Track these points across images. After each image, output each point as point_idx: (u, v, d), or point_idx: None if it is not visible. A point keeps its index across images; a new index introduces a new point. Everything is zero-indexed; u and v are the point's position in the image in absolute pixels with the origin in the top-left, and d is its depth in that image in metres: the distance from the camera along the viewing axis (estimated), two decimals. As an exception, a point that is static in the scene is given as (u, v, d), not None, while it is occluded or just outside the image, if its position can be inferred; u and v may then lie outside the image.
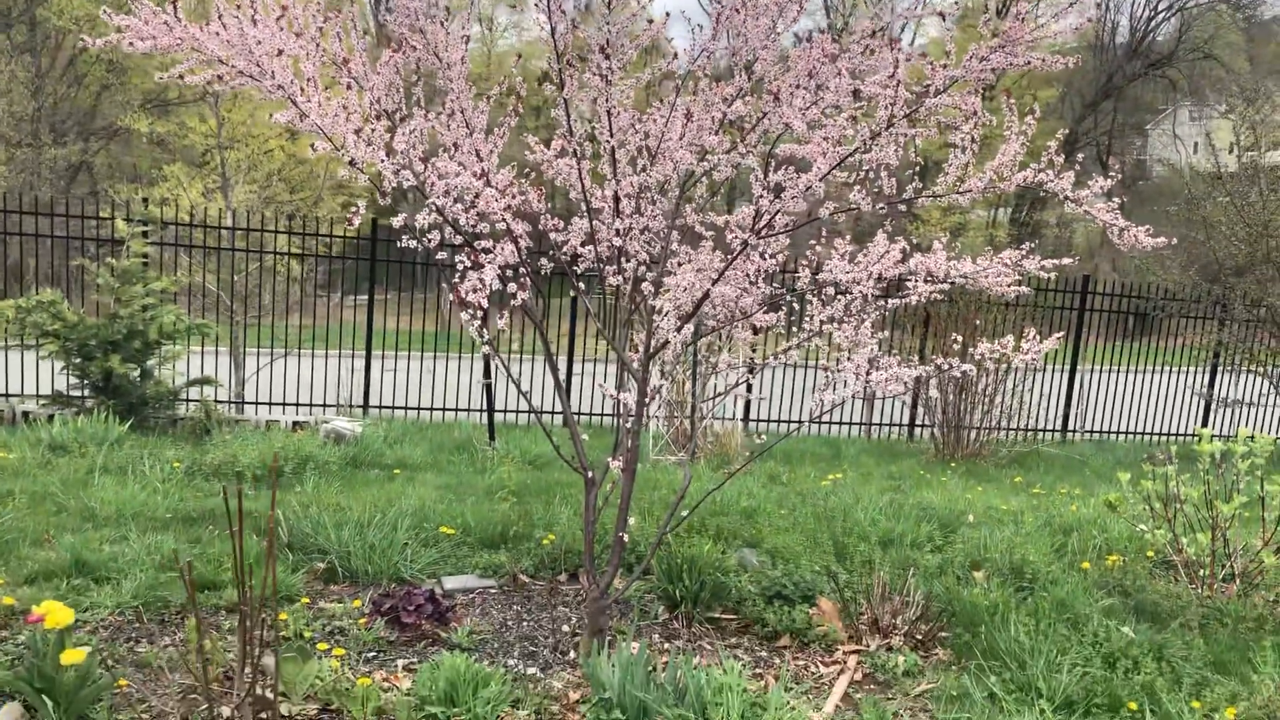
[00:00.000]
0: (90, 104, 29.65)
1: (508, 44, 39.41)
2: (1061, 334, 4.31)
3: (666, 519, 4.41)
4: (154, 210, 11.07)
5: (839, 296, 4.22)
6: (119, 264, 8.53)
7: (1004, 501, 7.47)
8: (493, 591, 5.03)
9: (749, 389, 9.69)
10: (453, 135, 4.01)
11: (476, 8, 4.39)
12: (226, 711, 3.46)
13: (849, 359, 4.15)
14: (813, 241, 4.39)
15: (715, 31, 3.98)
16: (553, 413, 11.10)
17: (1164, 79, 42.65)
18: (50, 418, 7.94)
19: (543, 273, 4.42)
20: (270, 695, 3.39)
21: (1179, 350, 13.08)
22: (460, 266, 3.90)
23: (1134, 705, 3.88)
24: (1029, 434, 11.43)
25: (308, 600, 4.61)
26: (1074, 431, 12.39)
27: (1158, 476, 5.53)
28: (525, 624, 4.66)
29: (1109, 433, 12.74)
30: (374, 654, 4.17)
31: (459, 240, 4.04)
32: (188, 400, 9.24)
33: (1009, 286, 4.14)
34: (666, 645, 4.51)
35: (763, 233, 4.01)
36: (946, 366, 4.12)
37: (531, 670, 4.13)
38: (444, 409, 10.96)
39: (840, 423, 11.82)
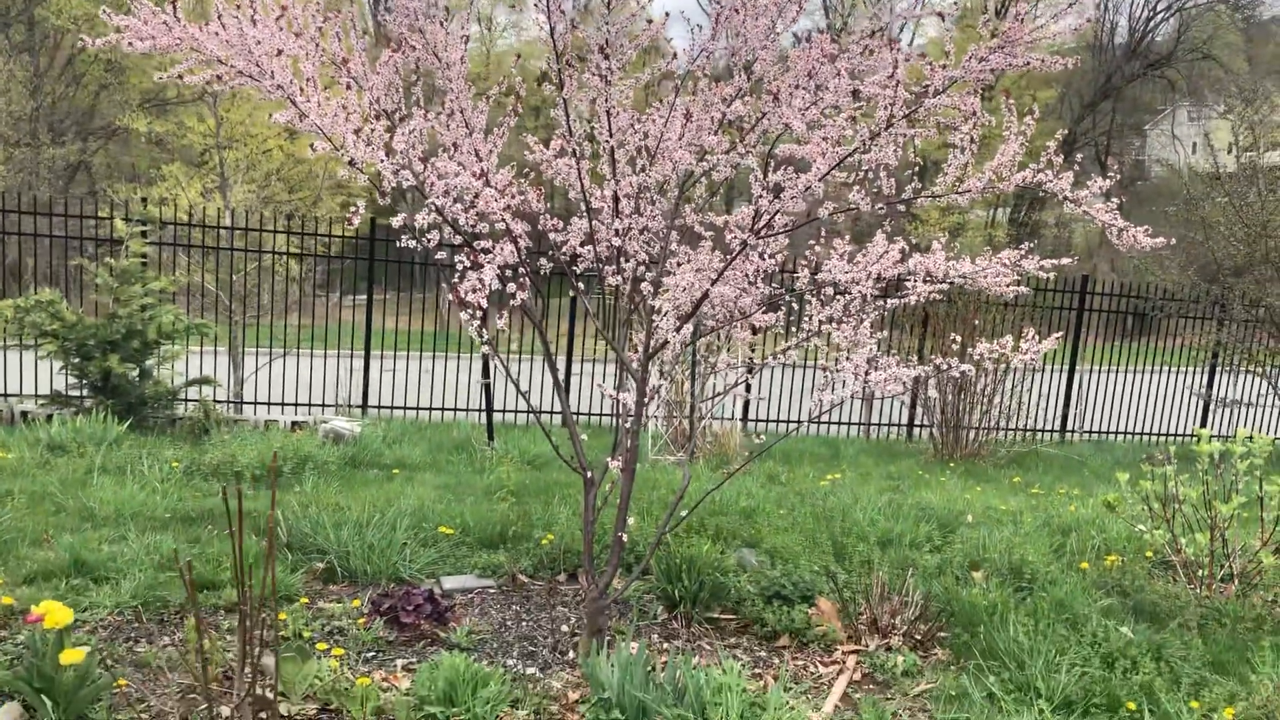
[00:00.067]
0: (89, 103, 29.65)
1: (506, 44, 39.44)
2: (1060, 334, 4.32)
3: (665, 519, 4.41)
4: (152, 210, 11.07)
5: (838, 296, 4.22)
6: (118, 264, 8.53)
7: (1003, 501, 7.47)
8: (492, 591, 5.03)
9: (748, 389, 9.69)
10: (452, 135, 4.01)
11: (475, 8, 4.39)
12: (226, 711, 3.46)
13: (848, 359, 4.16)
14: (812, 242, 4.39)
15: (714, 32, 3.98)
16: (551, 413, 11.10)
17: (1163, 79, 42.68)
18: (49, 417, 7.94)
19: (542, 273, 4.42)
20: (270, 695, 3.39)
21: (1177, 350, 13.09)
22: (460, 266, 3.90)
23: (1132, 705, 3.89)
24: (1028, 434, 11.44)
25: (307, 600, 4.61)
26: (1073, 431, 12.40)
27: (1156, 477, 5.53)
28: (524, 624, 4.66)
29: (1107, 433, 12.75)
30: (373, 654, 4.17)
31: (458, 240, 4.04)
32: (186, 400, 9.24)
33: (1008, 286, 4.14)
34: (665, 645, 4.52)
35: (762, 233, 4.01)
36: (945, 366, 4.12)
37: (530, 670, 4.14)
38: (443, 409, 10.96)
39: (839, 423, 11.82)
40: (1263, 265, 11.80)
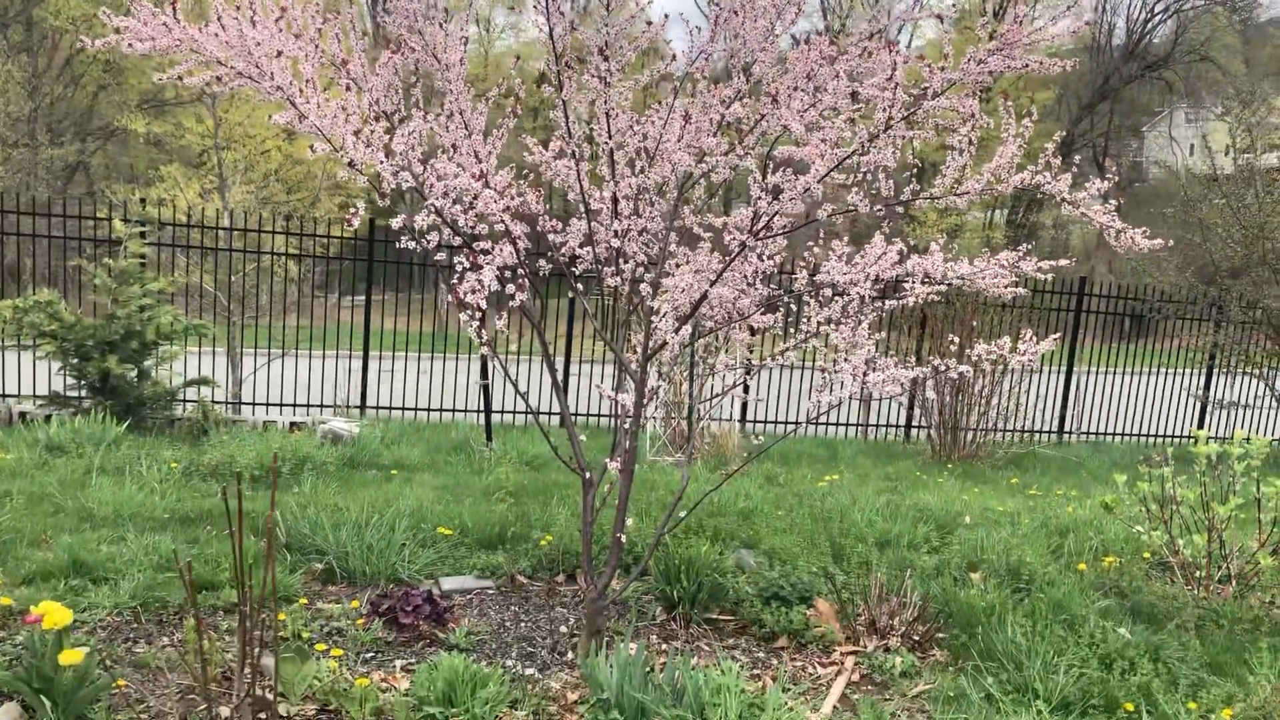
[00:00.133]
0: (87, 104, 29.64)
1: (505, 45, 39.46)
2: (1058, 335, 4.33)
3: (664, 520, 4.42)
4: (151, 210, 11.06)
5: (836, 298, 4.23)
6: (116, 264, 8.52)
7: (1000, 503, 7.48)
8: (490, 592, 5.04)
9: (746, 390, 9.71)
10: (451, 136, 4.02)
11: (474, 9, 4.40)
12: (225, 712, 3.46)
13: (846, 360, 4.16)
14: (810, 243, 4.39)
15: (713, 34, 3.99)
16: (550, 413, 11.11)
17: (1160, 81, 42.74)
18: (47, 418, 7.94)
19: (541, 274, 4.43)
20: (269, 695, 3.40)
21: (1175, 352, 13.10)
22: (459, 268, 3.91)
23: (1130, 706, 3.89)
24: (1025, 435, 11.45)
25: (305, 601, 4.61)
26: (1070, 433, 12.41)
27: (1154, 478, 5.54)
28: (523, 625, 4.66)
29: (1105, 434, 12.77)
30: (372, 654, 4.17)
31: (458, 241, 4.04)
32: (185, 401, 9.24)
33: (1006, 288, 4.15)
34: (664, 646, 4.52)
35: (760, 234, 4.02)
36: (943, 368, 4.13)
37: (529, 671, 4.14)
38: (441, 409, 10.96)
39: (837, 424, 11.83)
40: (1260, 267, 11.81)
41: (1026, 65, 3.57)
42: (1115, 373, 12.91)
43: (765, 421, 11.83)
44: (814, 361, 4.41)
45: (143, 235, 9.14)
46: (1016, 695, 4.00)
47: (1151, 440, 12.87)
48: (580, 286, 4.28)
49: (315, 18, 3.86)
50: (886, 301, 4.39)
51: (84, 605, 4.33)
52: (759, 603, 4.81)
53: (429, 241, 3.99)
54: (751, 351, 8.04)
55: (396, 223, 3.92)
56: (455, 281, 3.89)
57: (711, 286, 4.09)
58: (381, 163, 3.78)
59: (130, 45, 3.66)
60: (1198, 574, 5.36)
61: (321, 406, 10.81)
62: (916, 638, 4.57)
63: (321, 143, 3.77)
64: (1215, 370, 12.97)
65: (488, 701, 3.59)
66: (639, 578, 4.96)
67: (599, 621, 4.35)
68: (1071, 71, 3.71)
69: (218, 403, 9.69)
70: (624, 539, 4.30)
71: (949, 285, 4.17)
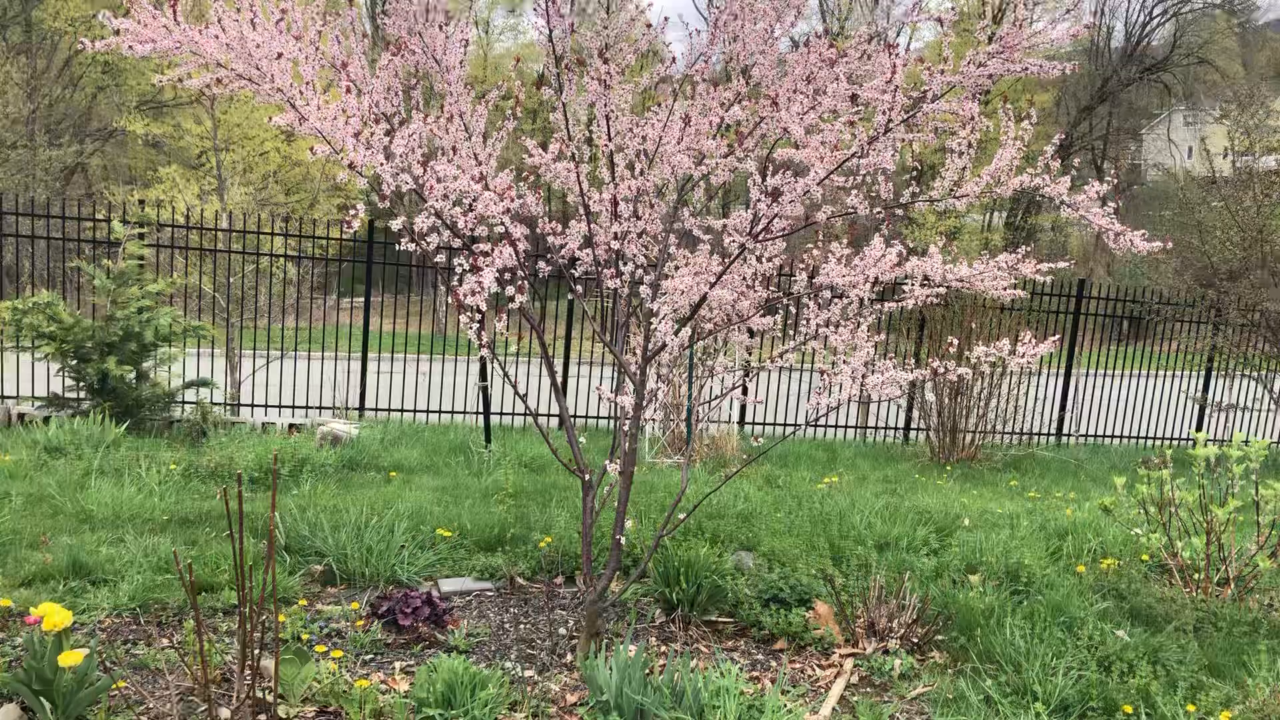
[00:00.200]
0: (85, 105, 29.62)
1: (504, 47, 39.43)
2: (1057, 337, 4.33)
3: (663, 522, 4.42)
4: (149, 212, 11.08)
5: (835, 300, 4.23)
6: (115, 266, 8.52)
7: (999, 505, 7.49)
8: (490, 594, 5.04)
9: (745, 392, 9.70)
10: (451, 139, 4.02)
11: (474, 12, 4.40)
12: (225, 713, 3.46)
13: (845, 362, 4.17)
14: (810, 245, 4.40)
15: (713, 36, 4.00)
16: (549, 415, 11.11)
17: (1159, 84, 42.77)
18: (46, 419, 7.93)
19: (540, 276, 4.43)
20: (269, 697, 3.40)
21: (1173, 354, 13.11)
22: (459, 269, 3.91)
23: (1129, 708, 3.90)
24: (1024, 437, 11.46)
25: (305, 602, 4.62)
26: (1069, 435, 12.42)
27: (1153, 480, 5.55)
28: (522, 626, 4.66)
29: (1104, 436, 12.77)
30: (371, 656, 4.17)
31: (457, 243, 4.05)
32: (184, 402, 9.23)
33: (1005, 290, 4.16)
34: (663, 648, 4.52)
35: (760, 236, 4.03)
36: (942, 370, 4.13)
37: (529, 672, 4.14)
38: (440, 411, 10.96)
39: (836, 426, 11.82)
40: (1259, 270, 11.81)
41: (1026, 69, 3.58)
42: (1114, 375, 12.91)
43: (764, 424, 11.83)
44: (813, 364, 4.41)
45: (141, 237, 9.14)
46: (1015, 697, 4.00)
47: (1150, 443, 12.87)
48: (580, 288, 4.28)
49: (315, 20, 3.87)
50: (885, 304, 4.40)
51: (83, 607, 4.33)
52: (758, 605, 4.81)
53: (429, 243, 4.00)
54: (750, 354, 8.05)
55: (396, 225, 3.93)
56: (455, 283, 3.90)
57: (711, 289, 4.10)
58: (382, 165, 3.79)
59: (131, 47, 3.66)
60: (1196, 576, 5.36)
61: (320, 408, 10.81)
62: (915, 640, 4.57)
63: (322, 145, 3.77)
64: (1214, 373, 12.98)
65: (487, 703, 3.59)
66: (638, 580, 4.96)
67: (598, 623, 4.35)
68: (1070, 74, 3.72)
69: (216, 404, 9.69)
70: (623, 541, 4.31)
71: (948, 287, 4.18)
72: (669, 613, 4.86)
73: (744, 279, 4.34)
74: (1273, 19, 48.62)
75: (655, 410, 4.28)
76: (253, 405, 10.98)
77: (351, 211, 3.80)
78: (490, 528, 5.71)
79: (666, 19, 4.05)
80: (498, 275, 3.88)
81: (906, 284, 4.22)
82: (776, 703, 3.68)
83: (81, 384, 8.38)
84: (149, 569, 4.73)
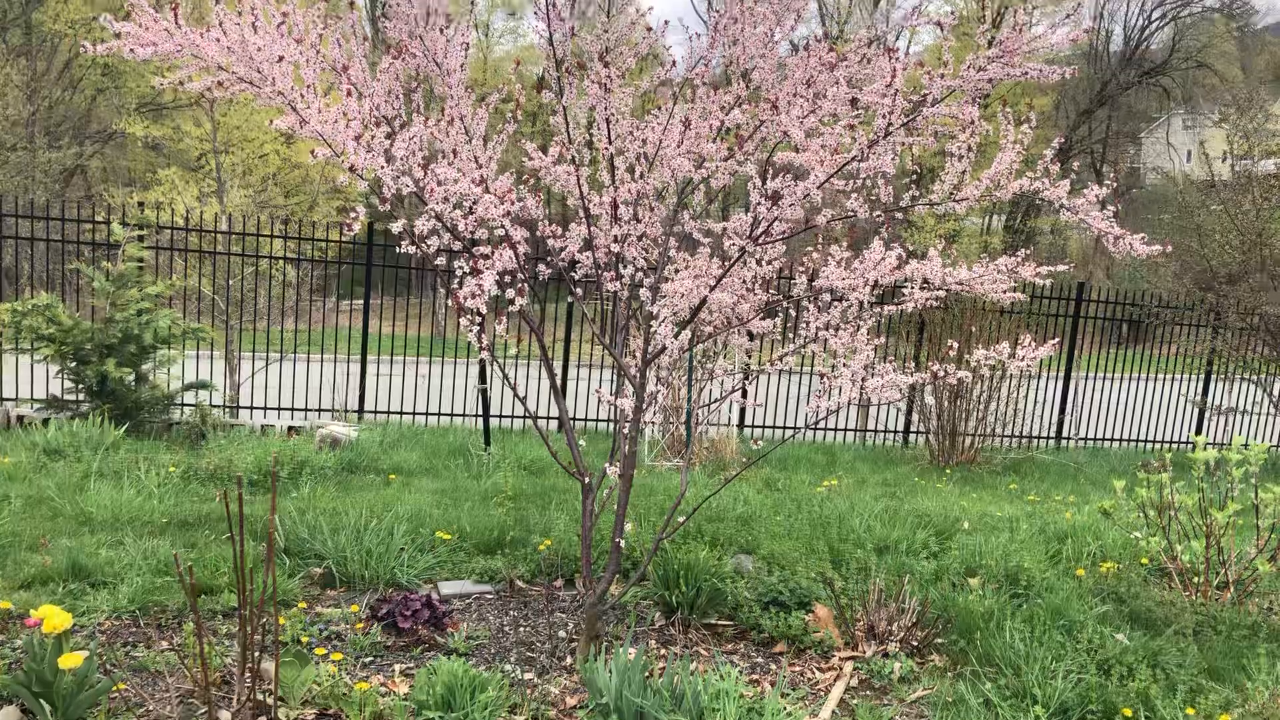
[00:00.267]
0: (85, 107, 29.64)
1: (504, 50, 39.45)
2: (1056, 341, 4.34)
3: (663, 525, 4.42)
4: (149, 214, 11.07)
5: (835, 303, 4.24)
6: (114, 268, 8.53)
7: (999, 508, 7.49)
8: (489, 597, 5.04)
9: (744, 395, 9.70)
10: (451, 142, 4.03)
11: (474, 15, 4.41)
12: (225, 715, 3.46)
13: (845, 366, 4.17)
14: (809, 248, 4.41)
15: (713, 40, 4.01)
16: (549, 418, 11.11)
17: (1158, 87, 42.84)
18: (45, 421, 7.93)
19: (540, 279, 4.44)
20: (269, 699, 3.40)
21: (1173, 358, 13.12)
22: (459, 272, 3.91)
23: (1129, 712, 3.90)
24: (1024, 441, 11.46)
25: (304, 605, 4.62)
26: (1068, 438, 12.42)
27: (1152, 484, 5.55)
28: (522, 629, 4.66)
29: (1103, 440, 12.78)
30: (371, 659, 4.17)
31: (457, 246, 4.05)
32: (183, 405, 9.23)
33: (1004, 293, 4.16)
34: (663, 651, 4.52)
35: (760, 240, 4.03)
36: (942, 373, 4.14)
37: (529, 675, 4.14)
38: (439, 414, 10.96)
39: (835, 429, 11.83)
40: (1258, 273, 11.83)
41: (1025, 73, 3.59)
42: (1113, 378, 12.92)
43: (764, 426, 11.83)
44: (812, 367, 4.42)
45: (141, 239, 9.14)
46: (1015, 700, 4.00)
47: (1149, 446, 12.88)
48: (579, 291, 4.29)
49: (316, 23, 3.87)
50: (885, 307, 4.40)
51: (83, 609, 4.33)
52: (758, 608, 4.81)
53: (429, 246, 4.00)
54: (750, 357, 8.05)
55: (397, 227, 3.93)
56: (455, 286, 3.90)
57: (711, 291, 4.10)
58: (383, 168, 3.79)
59: (132, 51, 3.66)
60: (1196, 580, 5.36)
61: (320, 410, 10.81)
62: (915, 643, 4.57)
63: (323, 148, 3.77)
64: (1213, 376, 12.99)
65: (487, 706, 3.59)
66: (638, 583, 4.96)
67: (598, 626, 4.35)
68: (1070, 78, 3.72)
69: (215, 406, 9.69)
70: (623, 544, 4.31)
71: (947, 291, 4.18)
72: (669, 616, 4.86)
73: (744, 282, 4.34)
74: (1271, 23, 48.75)
75: (655, 413, 4.28)
76: (252, 408, 10.98)
77: (352, 214, 3.80)
78: (490, 530, 5.71)
79: (667, 23, 4.06)
80: (498, 278, 3.88)
81: (906, 287, 4.23)
82: (776, 705, 3.68)
83: (81, 386, 8.39)
84: (148, 571, 4.73)
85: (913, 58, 3.97)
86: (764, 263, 4.41)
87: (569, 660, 4.32)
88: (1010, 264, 4.14)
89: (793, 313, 4.50)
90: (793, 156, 3.93)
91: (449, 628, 4.49)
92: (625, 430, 4.21)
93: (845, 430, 11.95)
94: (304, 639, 4.24)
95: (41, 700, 3.27)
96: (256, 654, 3.39)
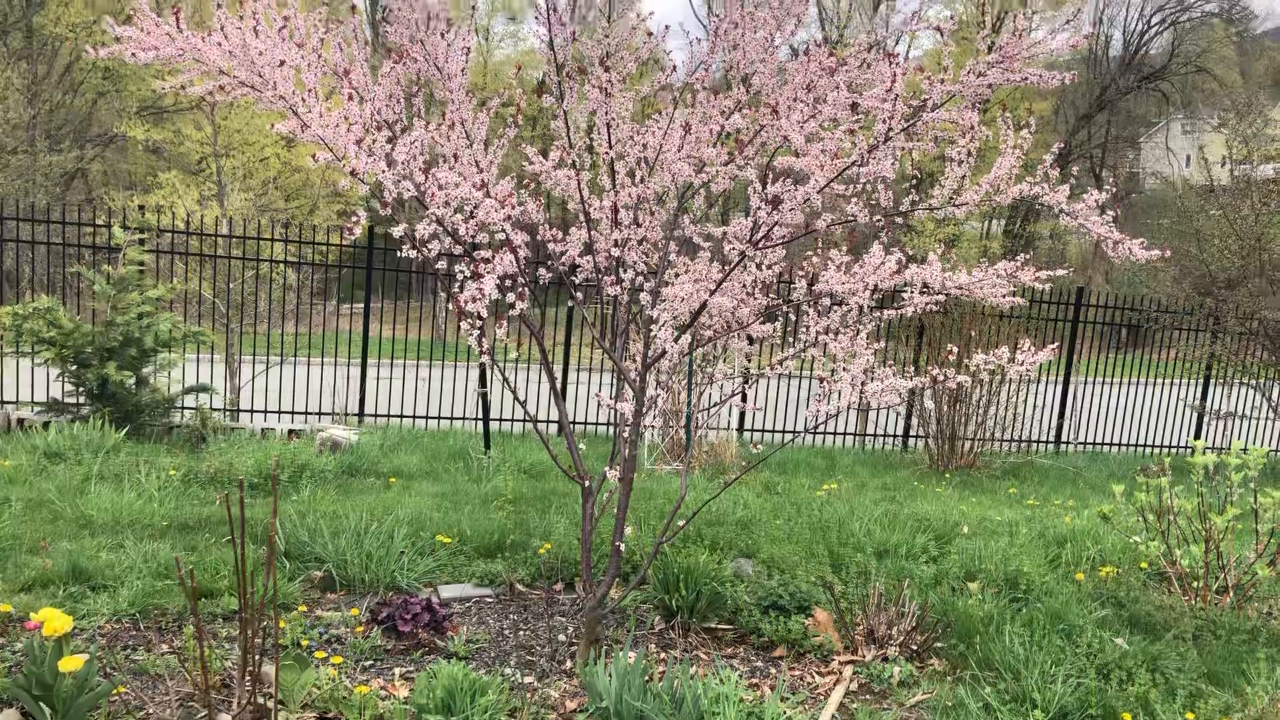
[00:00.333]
0: (86, 111, 29.66)
1: (504, 54, 39.48)
2: (1055, 345, 4.35)
3: (663, 529, 4.43)
4: (150, 217, 11.08)
5: (835, 307, 4.24)
6: (115, 271, 8.54)
7: (998, 513, 7.49)
8: (489, 600, 5.04)
9: (744, 399, 9.70)
10: (452, 146, 4.04)
11: (475, 20, 4.42)
12: (225, 719, 3.46)
13: (845, 370, 4.18)
14: (809, 253, 4.41)
15: (713, 45, 4.01)
16: (549, 421, 11.11)
17: (1157, 92, 42.89)
18: (46, 425, 7.93)
19: (541, 283, 4.44)
20: (269, 703, 3.40)
21: (1172, 363, 13.12)
22: (460, 276, 3.92)
23: (1128, 716, 3.90)
24: (1023, 445, 11.46)
25: (304, 608, 4.62)
26: (1067, 443, 12.43)
27: (1151, 488, 5.56)
28: (522, 633, 4.66)
29: (1102, 444, 12.78)
30: (371, 662, 4.17)
31: (458, 250, 4.06)
32: (183, 408, 9.24)
33: (1004, 298, 4.17)
34: (663, 655, 4.52)
35: (760, 244, 4.04)
36: (941, 377, 4.14)
37: (528, 679, 4.14)
38: (439, 417, 10.97)
39: (835, 433, 11.84)
40: (1257, 278, 11.84)
41: (1025, 78, 3.60)
42: (1112, 383, 12.92)
43: (763, 430, 11.84)
44: (812, 371, 4.42)
45: (141, 242, 9.15)
46: (1014, 705, 4.00)
47: (1149, 451, 12.88)
48: (580, 295, 4.29)
49: (317, 27, 3.88)
50: (885, 311, 4.41)
51: (83, 612, 4.33)
52: (757, 612, 4.82)
53: (430, 250, 4.01)
54: (750, 361, 8.06)
55: (397, 231, 3.94)
56: (456, 290, 3.91)
57: (711, 296, 4.11)
58: (384, 172, 3.80)
59: (133, 55, 3.67)
60: (1195, 584, 5.37)
61: (320, 414, 10.82)
62: (915, 647, 4.58)
63: (324, 152, 3.78)
64: (1212, 381, 12.99)
65: (487, 710, 3.59)
66: (638, 586, 4.97)
67: (598, 630, 4.36)
68: (1069, 83, 3.73)
69: (216, 410, 9.69)
70: (623, 548, 4.31)
71: (947, 295, 4.19)
72: (668, 619, 4.86)
73: (744, 286, 4.35)
74: (1270, 28, 48.83)
75: (654, 417, 4.28)
76: (252, 411, 10.98)
77: (353, 219, 3.81)
78: (490, 534, 5.71)
79: (667, 27, 4.07)
80: (498, 282, 3.89)
81: (906, 291, 4.24)
82: (776, 710, 3.68)
83: (81, 389, 8.39)
84: (149, 574, 4.73)
85: (913, 63, 3.98)
86: (764, 267, 4.41)
87: (569, 664, 4.32)
88: (1009, 268, 4.15)
89: (792, 317, 4.51)
90: (793, 161, 3.93)
91: (449, 631, 4.49)
92: (625, 434, 4.22)
93: (845, 434, 11.95)
94: (304, 642, 4.24)
95: (42, 703, 3.27)
96: (257, 657, 3.39)
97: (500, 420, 10.40)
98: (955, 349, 4.47)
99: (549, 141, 4.24)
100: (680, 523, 4.60)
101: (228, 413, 10.71)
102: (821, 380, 4.25)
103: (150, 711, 3.56)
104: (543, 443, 4.51)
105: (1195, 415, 13.08)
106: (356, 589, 4.98)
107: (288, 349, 12.38)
